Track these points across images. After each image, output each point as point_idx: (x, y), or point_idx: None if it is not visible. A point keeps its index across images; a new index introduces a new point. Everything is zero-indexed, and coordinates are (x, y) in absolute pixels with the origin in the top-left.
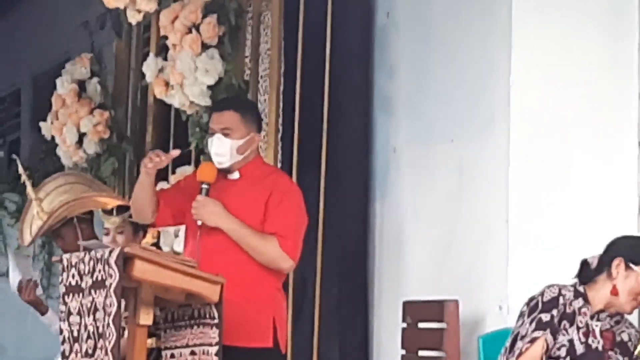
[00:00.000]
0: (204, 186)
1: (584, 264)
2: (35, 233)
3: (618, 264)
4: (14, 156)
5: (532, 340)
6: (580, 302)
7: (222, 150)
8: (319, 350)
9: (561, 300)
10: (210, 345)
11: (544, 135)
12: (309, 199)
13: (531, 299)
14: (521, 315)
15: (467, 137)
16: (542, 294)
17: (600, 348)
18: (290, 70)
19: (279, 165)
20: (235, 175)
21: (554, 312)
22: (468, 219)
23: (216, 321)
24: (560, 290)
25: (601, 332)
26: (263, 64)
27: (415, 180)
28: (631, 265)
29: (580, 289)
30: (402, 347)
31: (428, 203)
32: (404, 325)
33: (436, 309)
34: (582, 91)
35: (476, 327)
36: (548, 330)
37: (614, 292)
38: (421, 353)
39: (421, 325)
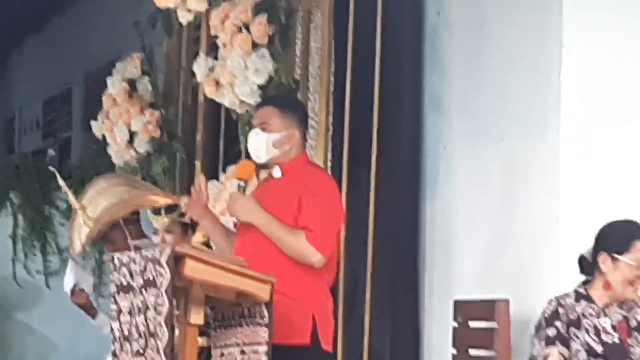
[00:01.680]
0: (240, 184)
1: (582, 259)
2: (84, 242)
3: (604, 259)
4: (52, 168)
5: (546, 357)
6: (583, 304)
7: (258, 144)
8: (370, 348)
9: (561, 310)
10: (260, 344)
11: (595, 132)
12: (360, 197)
13: (537, 322)
14: (532, 339)
15: (518, 135)
16: (543, 312)
17: (617, 341)
18: (341, 69)
19: (329, 164)
20: (278, 172)
21: (558, 324)
22: (519, 217)
23: (266, 321)
24: (558, 301)
25: (613, 326)
26: (313, 63)
27: (466, 178)
28: (616, 256)
29: (582, 290)
30: (453, 346)
31: (479, 201)
32: (455, 324)
33: (487, 308)
34: (633, 88)
35: (527, 326)
36: (558, 343)
37: (606, 286)
38: (472, 352)
39: (472, 324)
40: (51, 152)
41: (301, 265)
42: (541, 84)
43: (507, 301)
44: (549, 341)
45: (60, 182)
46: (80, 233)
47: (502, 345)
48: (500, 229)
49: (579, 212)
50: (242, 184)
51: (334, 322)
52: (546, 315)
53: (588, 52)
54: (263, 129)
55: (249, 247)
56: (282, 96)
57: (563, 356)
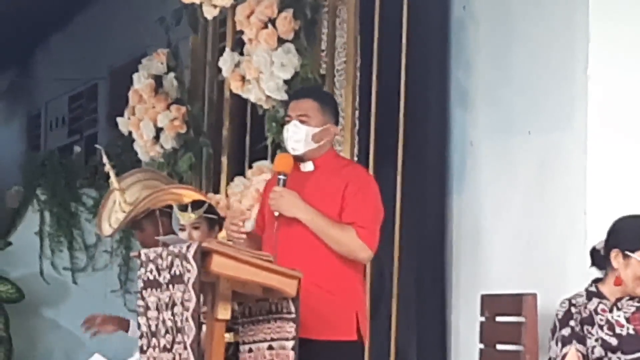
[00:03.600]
0: (281, 177)
1: (594, 251)
2: (119, 224)
3: (615, 256)
4: (98, 146)
5: (563, 357)
6: (594, 302)
7: (298, 136)
8: (397, 343)
9: (573, 310)
10: (287, 339)
11: (622, 126)
12: (386, 193)
13: (552, 324)
14: (549, 342)
15: (545, 129)
16: (556, 314)
17: (632, 332)
18: (367, 64)
19: (355, 159)
20: (310, 166)
21: (572, 323)
22: (546, 211)
23: (293, 315)
24: (570, 301)
25: (627, 318)
26: (339, 58)
27: (492, 173)
28: (627, 253)
29: (592, 288)
30: (480, 341)
31: (506, 196)
32: (482, 319)
33: (514, 302)
34: None
35: None
36: (574, 342)
37: (617, 282)
38: (499, 347)
39: (499, 319)
40: (77, 148)
41: (345, 260)
42: (568, 77)
43: (534, 295)
44: (565, 341)
45: (105, 160)
46: (110, 217)
47: (530, 340)
48: (527, 224)
49: (606, 206)
50: (283, 177)
51: None
52: (559, 316)
53: (614, 46)
54: (302, 122)
55: (289, 241)
56: (318, 89)
57: (581, 353)
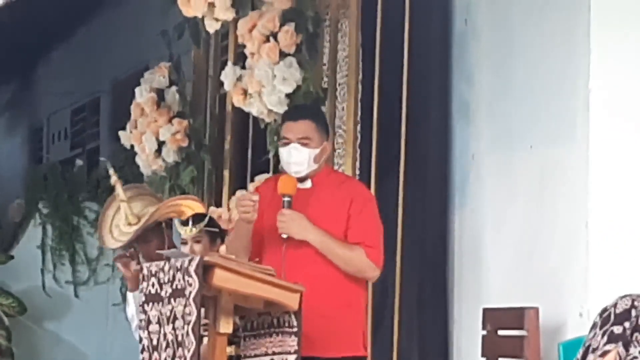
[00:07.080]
0: (287, 199)
1: None
2: (130, 236)
3: None
4: (103, 158)
5: (604, 354)
6: None
7: (300, 159)
8: (399, 357)
9: (634, 312)
10: (289, 353)
11: (623, 139)
12: (388, 206)
13: (604, 310)
14: (593, 326)
15: (546, 143)
16: (614, 305)
17: None
18: (368, 78)
19: (357, 172)
20: (308, 184)
21: (626, 324)
22: (548, 225)
23: (295, 329)
24: (633, 301)
25: None
26: (341, 72)
27: (494, 186)
28: None
29: None
30: (482, 355)
31: (507, 210)
32: (484, 332)
33: (516, 316)
34: None
35: (556, 334)
36: (620, 343)
37: None
38: None
39: (501, 332)
40: (79, 161)
41: (352, 278)
42: (569, 90)
43: (536, 309)
44: (612, 339)
45: (111, 171)
46: (112, 229)
47: (532, 353)
48: (529, 237)
49: (607, 219)
50: (288, 199)
51: None
52: (618, 310)
53: (616, 59)
54: (304, 144)
55: (300, 262)
56: (312, 108)
57: (620, 357)
